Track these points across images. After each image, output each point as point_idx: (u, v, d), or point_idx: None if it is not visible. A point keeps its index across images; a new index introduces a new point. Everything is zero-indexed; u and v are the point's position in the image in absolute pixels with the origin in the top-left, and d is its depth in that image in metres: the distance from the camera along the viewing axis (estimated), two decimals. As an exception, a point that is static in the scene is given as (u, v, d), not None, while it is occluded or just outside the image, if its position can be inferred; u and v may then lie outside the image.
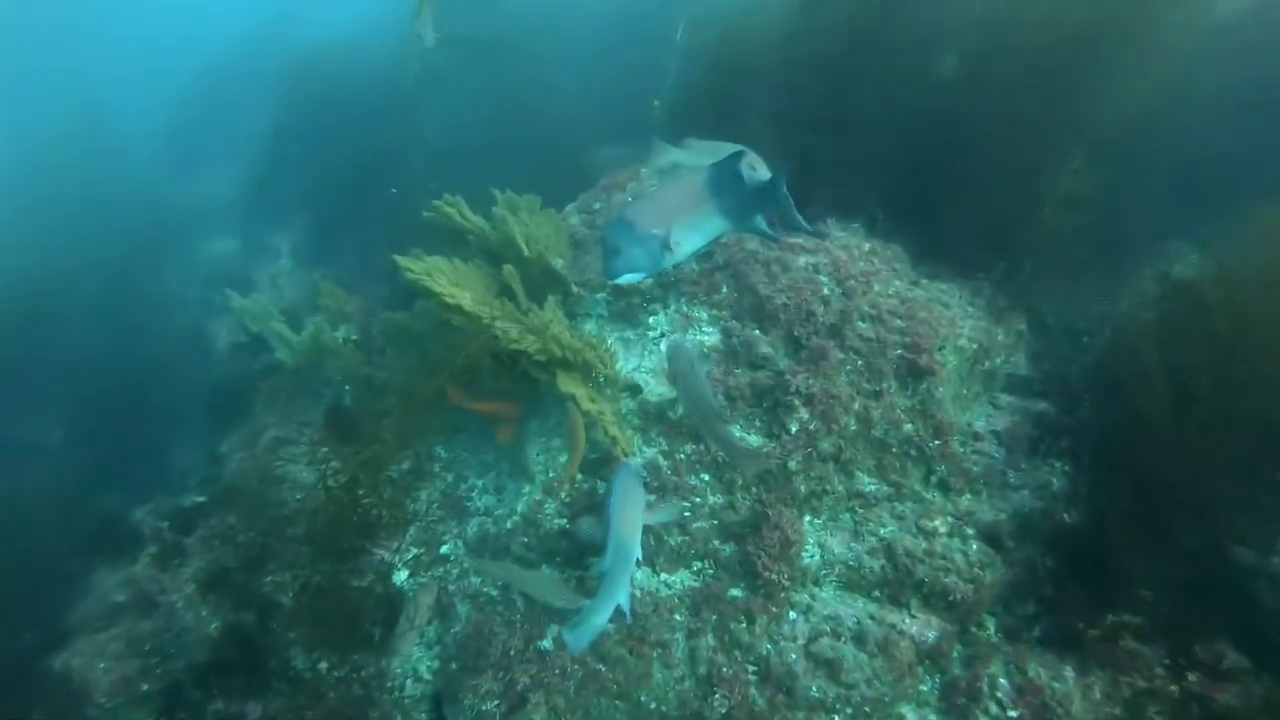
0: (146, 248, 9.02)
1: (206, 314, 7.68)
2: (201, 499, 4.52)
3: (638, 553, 2.35)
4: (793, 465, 3.11)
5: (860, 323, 3.27)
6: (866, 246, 3.69)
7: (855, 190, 3.95)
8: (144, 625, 3.71)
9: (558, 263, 3.81)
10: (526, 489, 3.48)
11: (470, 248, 4.10)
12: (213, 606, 3.46)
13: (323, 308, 5.85)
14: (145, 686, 3.50)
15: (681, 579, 3.14)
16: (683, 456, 3.29)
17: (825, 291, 3.34)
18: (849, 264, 3.41)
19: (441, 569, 3.80)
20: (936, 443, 3.13)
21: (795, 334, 3.28)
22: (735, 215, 2.31)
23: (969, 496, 3.14)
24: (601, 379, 3.19)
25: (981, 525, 3.03)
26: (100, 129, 12.21)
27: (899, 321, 3.26)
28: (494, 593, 3.37)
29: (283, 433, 4.58)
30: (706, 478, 3.24)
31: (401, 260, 3.38)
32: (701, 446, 3.28)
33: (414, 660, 3.53)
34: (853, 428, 3.16)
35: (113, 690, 3.53)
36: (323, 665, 3.61)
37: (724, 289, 3.53)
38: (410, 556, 3.94)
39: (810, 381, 3.16)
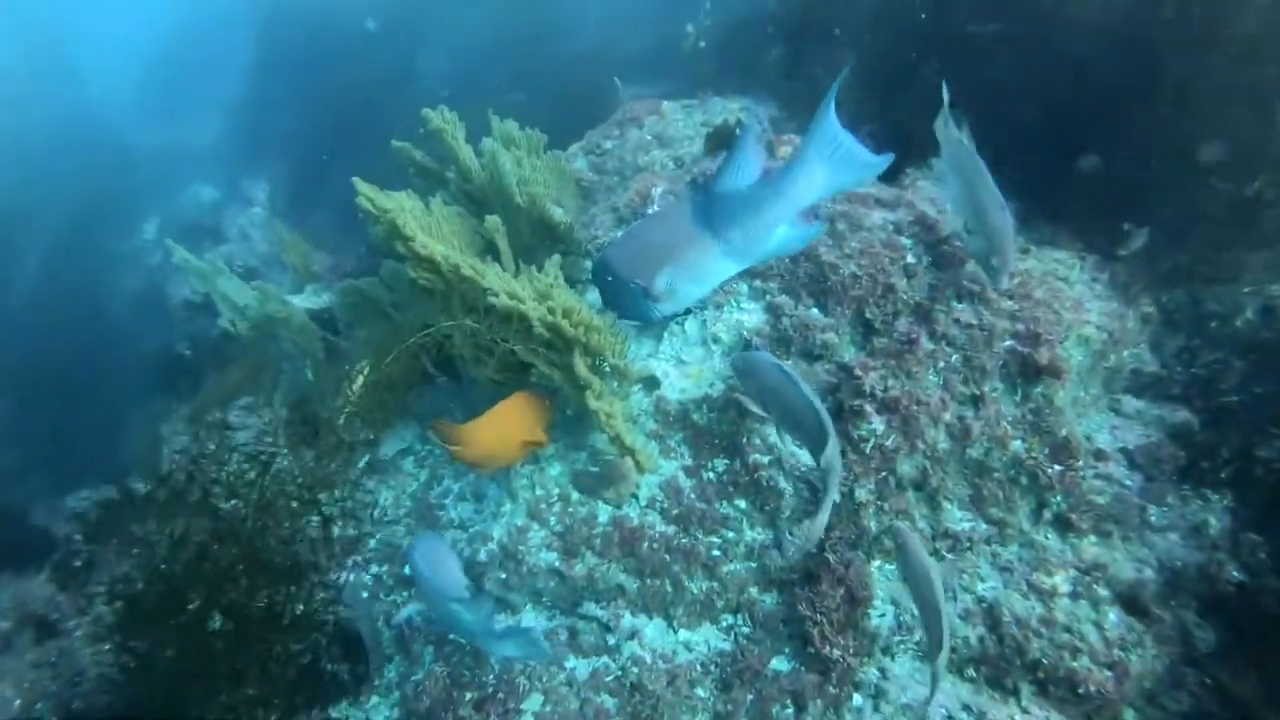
0: (111, 196, 8.34)
1: (170, 269, 6.99)
2: (121, 495, 3.87)
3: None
4: (862, 494, 2.39)
5: (956, 303, 2.50)
6: (959, 200, 2.89)
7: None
8: (28, 658, 3.08)
9: (557, 213, 3.05)
10: (507, 508, 2.77)
11: (451, 191, 3.36)
12: (117, 642, 2.78)
13: (286, 265, 5.16)
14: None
15: (707, 639, 2.46)
16: (711, 475, 2.57)
17: (909, 259, 2.56)
18: (940, 223, 2.62)
19: (408, 592, 3.12)
20: (1057, 468, 2.37)
21: (868, 315, 2.53)
22: (742, 249, 1.91)
23: (1095, 541, 2.40)
24: (607, 368, 2.46)
25: (1118, 584, 2.29)
26: (65, 66, 11.44)
27: (1008, 302, 2.49)
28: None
29: (230, 415, 3.90)
30: (743, 504, 2.52)
31: (361, 186, 2.63)
32: (736, 463, 2.55)
33: (369, 708, 2.88)
34: (943, 445, 2.41)
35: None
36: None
37: (771, 254, 2.75)
38: (370, 577, 3.29)
39: (888, 381, 2.41)
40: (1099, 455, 2.58)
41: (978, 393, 2.43)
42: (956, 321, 2.46)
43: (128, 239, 8.22)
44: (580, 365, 2.33)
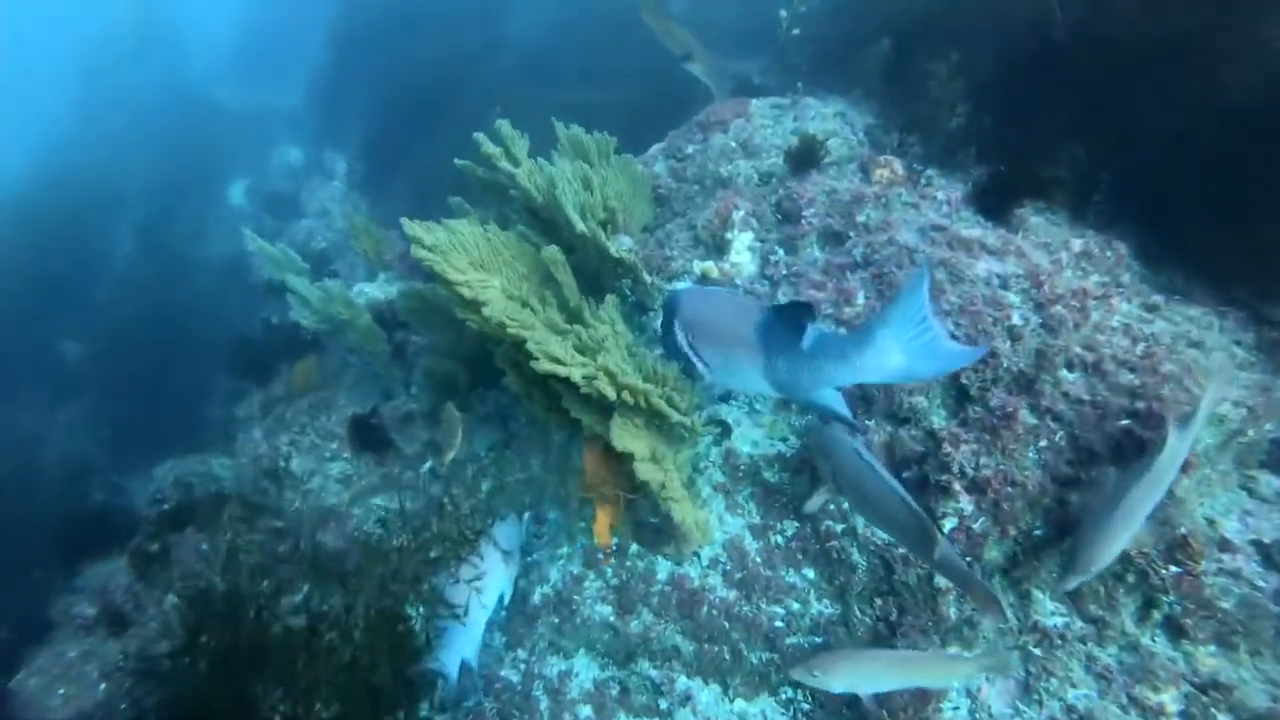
0: (204, 157, 8.65)
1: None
2: (194, 484, 4.03)
3: None
4: (943, 580, 2.21)
5: (1066, 371, 2.26)
6: (1077, 245, 2.61)
7: (1066, 156, 2.83)
8: (111, 647, 3.27)
9: (623, 245, 2.92)
10: (564, 550, 2.72)
11: (514, 206, 3.27)
12: (188, 636, 2.88)
13: (357, 251, 5.20)
14: (107, 728, 3.07)
15: (764, 711, 2.37)
16: (780, 539, 2.44)
17: (1015, 319, 2.32)
18: (1052, 276, 2.36)
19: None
20: (1173, 569, 2.14)
21: (963, 381, 2.31)
22: (784, 382, 1.98)
23: (1215, 652, 2.16)
24: (673, 424, 2.34)
25: (1244, 711, 2.05)
26: (163, 28, 11.82)
27: (1128, 375, 2.23)
28: (515, 678, 2.69)
29: (300, 414, 3.99)
30: (811, 574, 2.40)
31: (410, 228, 2.59)
32: (807, 529, 2.42)
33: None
34: (1038, 531, 2.21)
35: (70, 727, 3.13)
36: None
37: (860, 298, 2.56)
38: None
39: (980, 458, 2.22)
40: (1224, 546, 2.31)
41: (1083, 475, 2.20)
42: (1065, 395, 2.23)
43: (219, 202, 8.54)
44: (621, 430, 2.22)
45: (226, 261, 7.07)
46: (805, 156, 3.09)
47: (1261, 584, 2.23)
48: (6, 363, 6.67)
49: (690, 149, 3.68)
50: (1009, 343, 2.31)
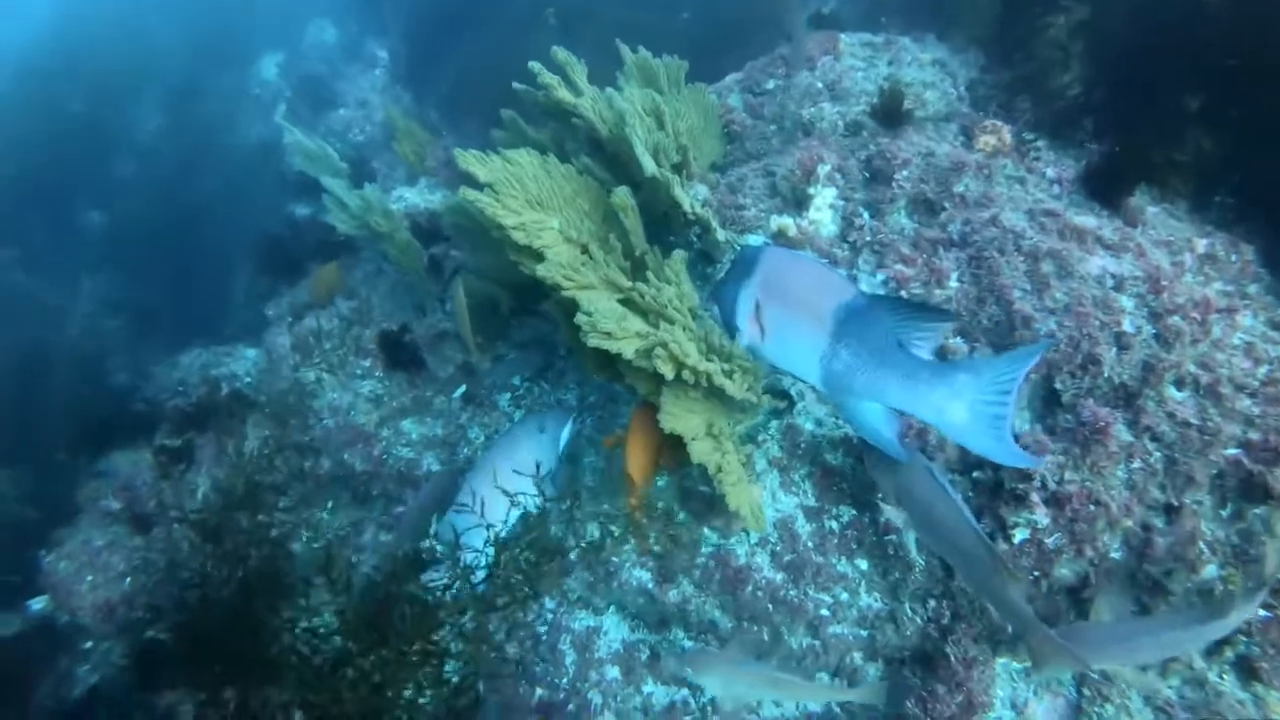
0: (234, 25, 8.21)
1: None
2: (220, 382, 3.97)
3: None
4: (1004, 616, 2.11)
5: (1174, 389, 2.10)
6: (1202, 246, 2.39)
7: (1192, 145, 2.58)
8: (136, 542, 3.29)
9: (698, 196, 2.71)
10: (606, 507, 2.64)
11: (578, 135, 3.03)
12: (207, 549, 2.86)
13: (399, 153, 4.97)
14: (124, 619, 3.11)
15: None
16: (834, 525, 2.35)
17: (1126, 325, 2.14)
18: (1174, 282, 2.16)
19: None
20: (1260, 613, 2.03)
21: (1057, 386, 2.16)
22: (837, 374, 1.86)
23: (1284, 696, 2.08)
24: (738, 400, 2.20)
25: (1303, 762, 1.99)
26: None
27: (1245, 401, 2.06)
28: (540, 627, 2.66)
29: (326, 323, 3.88)
30: (864, 566, 2.31)
31: (464, 160, 2.40)
32: (865, 518, 2.32)
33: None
34: (1115, 554, 2.10)
35: (95, 614, 3.17)
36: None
37: (952, 280, 2.38)
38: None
39: (1066, 471, 2.08)
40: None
41: (1175, 503, 2.07)
42: (1170, 416, 2.07)
43: (250, 79, 8.17)
44: (672, 410, 2.08)
45: (258, 145, 6.81)
46: (891, 111, 2.83)
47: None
48: (26, 228, 6.55)
49: (771, 84, 3.40)
50: (1114, 350, 2.13)
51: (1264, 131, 2.40)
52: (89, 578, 3.26)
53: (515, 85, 2.89)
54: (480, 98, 5.42)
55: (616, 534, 2.49)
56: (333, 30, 8.82)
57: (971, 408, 1.66)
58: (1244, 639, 2.08)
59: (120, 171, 6.91)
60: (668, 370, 1.98)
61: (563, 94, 2.78)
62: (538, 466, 2.46)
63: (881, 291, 2.45)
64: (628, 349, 2.02)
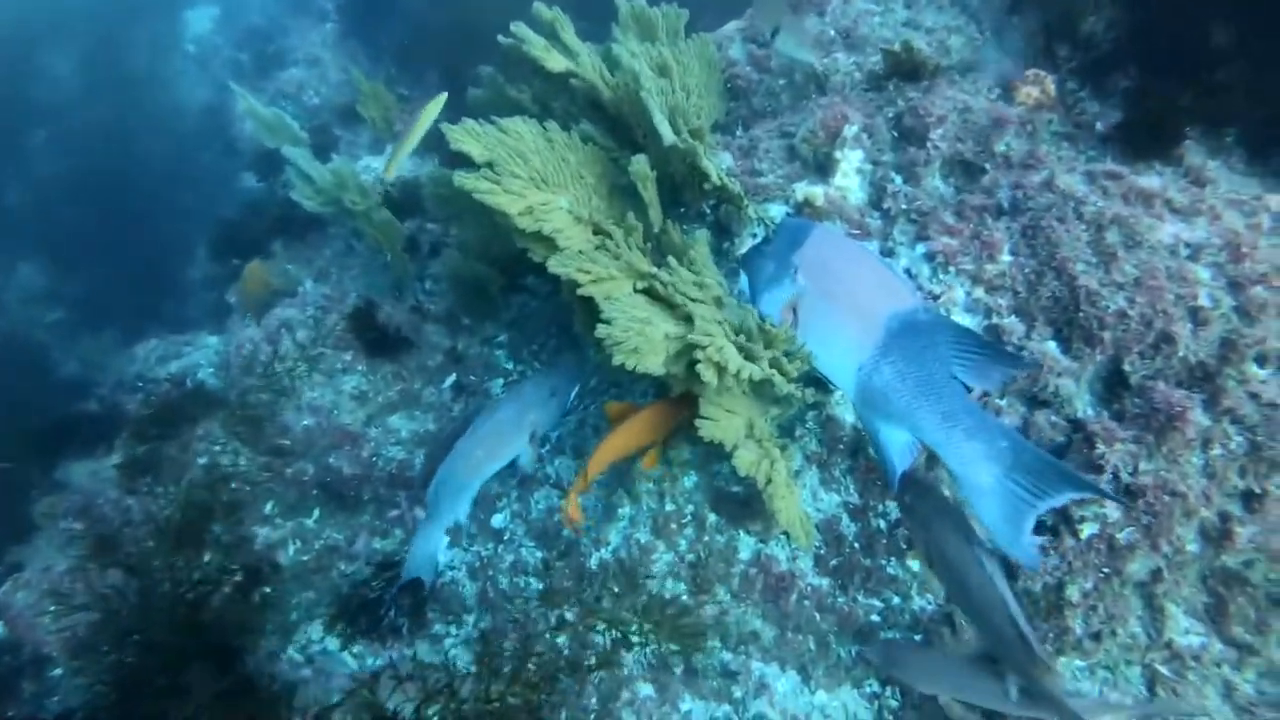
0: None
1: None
2: (184, 377, 3.67)
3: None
4: (1074, 593, 1.98)
5: (1256, 367, 1.95)
6: (1275, 203, 2.22)
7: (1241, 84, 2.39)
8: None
9: (722, 168, 2.47)
10: (626, 510, 2.45)
11: (572, 96, 2.75)
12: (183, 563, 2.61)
13: (364, 118, 4.60)
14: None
15: (846, 704, 2.19)
16: (882, 524, 2.19)
17: (1203, 299, 1.98)
18: (1253, 249, 2.00)
19: (490, 546, 2.89)
20: (1340, 602, 1.93)
21: (1126, 367, 2.00)
22: (872, 389, 1.73)
23: (1364, 689, 1.99)
24: (780, 390, 2.00)
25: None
26: None
27: (1334, 378, 1.92)
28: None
29: (297, 312, 3.58)
30: (916, 567, 2.16)
31: (455, 136, 2.12)
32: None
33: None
34: (1191, 547, 1.97)
35: (61, 646, 2.93)
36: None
37: (1004, 252, 2.18)
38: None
39: (1140, 461, 1.93)
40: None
41: (1258, 490, 1.94)
42: (1253, 396, 1.92)
43: (180, 34, 7.56)
44: (711, 403, 1.89)
45: (203, 110, 6.31)
46: (904, 65, 2.59)
47: None
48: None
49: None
50: (1190, 327, 1.97)
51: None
52: (52, 608, 3.00)
53: (501, 39, 2.59)
54: (438, 47, 5.03)
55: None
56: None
57: (1000, 481, 1.52)
58: (1324, 629, 1.98)
59: (31, 142, 6.35)
60: (711, 377, 1.77)
61: (554, 59, 2.50)
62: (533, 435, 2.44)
63: (927, 267, 2.25)
64: (656, 366, 1.82)
